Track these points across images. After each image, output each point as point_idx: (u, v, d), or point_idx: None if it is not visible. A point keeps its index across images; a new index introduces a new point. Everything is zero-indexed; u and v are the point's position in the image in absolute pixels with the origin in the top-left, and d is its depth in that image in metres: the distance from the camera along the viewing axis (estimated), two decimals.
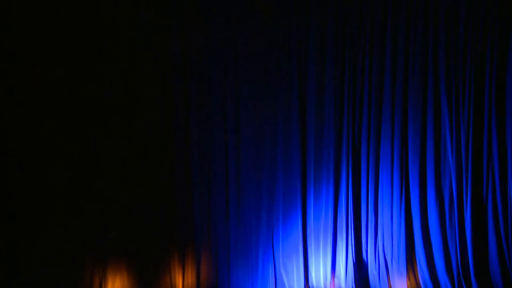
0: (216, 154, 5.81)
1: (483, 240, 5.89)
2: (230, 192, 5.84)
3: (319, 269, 5.92)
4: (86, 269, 5.57)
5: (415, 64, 5.89)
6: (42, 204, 5.50)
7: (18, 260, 5.47)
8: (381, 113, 5.95)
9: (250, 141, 5.85)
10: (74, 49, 5.55)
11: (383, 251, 5.96)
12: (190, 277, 5.78)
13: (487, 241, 5.89)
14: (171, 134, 5.72)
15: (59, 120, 5.55)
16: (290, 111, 5.88)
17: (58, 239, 5.51)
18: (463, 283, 5.81)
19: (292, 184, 5.89)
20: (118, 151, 5.62)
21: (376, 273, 5.94)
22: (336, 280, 5.95)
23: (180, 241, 5.74)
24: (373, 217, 5.97)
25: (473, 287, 5.79)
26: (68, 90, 5.56)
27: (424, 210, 5.93)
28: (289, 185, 5.89)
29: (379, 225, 5.97)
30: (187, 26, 5.72)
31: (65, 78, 5.54)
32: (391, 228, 5.95)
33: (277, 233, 5.89)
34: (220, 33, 5.77)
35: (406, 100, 5.93)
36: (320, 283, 5.91)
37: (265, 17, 5.82)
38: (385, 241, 5.95)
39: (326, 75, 5.90)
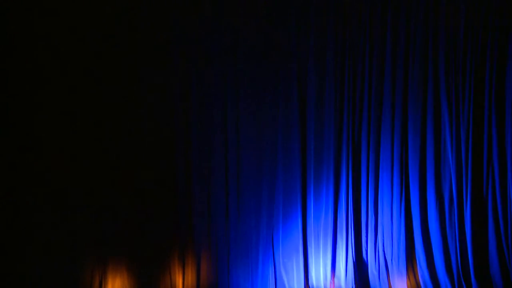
0: (216, 154, 5.81)
1: (483, 240, 5.90)
2: (230, 192, 5.83)
3: (319, 269, 5.92)
4: (86, 269, 5.57)
5: (415, 64, 5.90)
6: (42, 203, 5.50)
7: (18, 259, 5.47)
8: (381, 113, 5.96)
9: (250, 141, 5.85)
10: (74, 49, 5.56)
11: (383, 251, 5.96)
12: (190, 277, 5.78)
13: (487, 241, 5.89)
14: (171, 135, 5.72)
15: (58, 120, 5.56)
16: (290, 111, 5.88)
17: (58, 239, 5.51)
18: (463, 283, 5.81)
19: (292, 184, 5.88)
20: (117, 151, 5.62)
21: (376, 273, 5.94)
22: (336, 280, 5.95)
23: (180, 241, 5.74)
24: (373, 217, 5.97)
25: (473, 287, 5.79)
26: (67, 90, 5.56)
27: (424, 210, 5.93)
28: (289, 185, 5.88)
29: (379, 225, 5.98)
30: (187, 27, 5.72)
31: (65, 79, 5.55)
32: (391, 228, 5.95)
33: (277, 233, 5.88)
34: (220, 34, 5.76)
35: (406, 100, 5.94)
36: (320, 283, 5.91)
37: (265, 18, 5.82)
38: (385, 241, 5.96)
39: (326, 75, 5.90)
